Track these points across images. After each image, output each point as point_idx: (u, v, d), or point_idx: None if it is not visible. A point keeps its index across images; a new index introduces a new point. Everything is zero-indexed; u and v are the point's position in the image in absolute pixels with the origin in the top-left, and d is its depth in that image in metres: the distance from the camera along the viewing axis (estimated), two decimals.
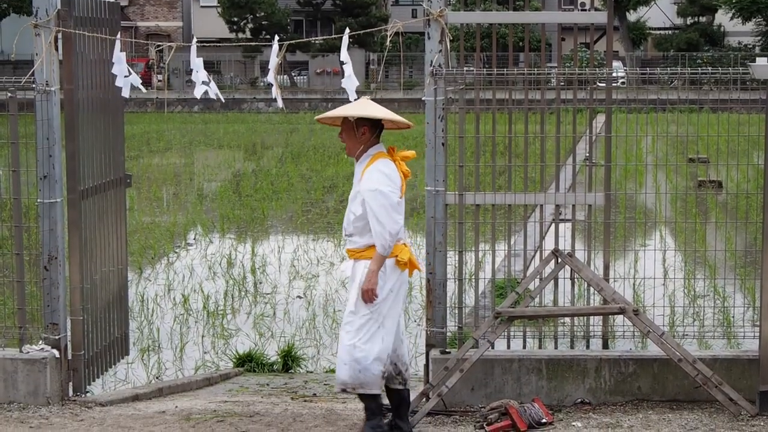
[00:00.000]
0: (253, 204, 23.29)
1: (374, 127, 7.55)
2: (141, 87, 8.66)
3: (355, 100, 7.92)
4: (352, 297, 7.45)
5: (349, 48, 8.14)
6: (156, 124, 47.44)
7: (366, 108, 7.54)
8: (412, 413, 7.88)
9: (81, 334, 8.90)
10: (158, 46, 9.81)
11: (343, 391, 7.55)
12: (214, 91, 8.52)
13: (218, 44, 52.09)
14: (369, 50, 68.79)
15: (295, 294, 14.84)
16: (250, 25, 70.27)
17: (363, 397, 7.53)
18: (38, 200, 8.62)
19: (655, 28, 75.23)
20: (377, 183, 7.32)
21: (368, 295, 7.30)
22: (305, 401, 9.10)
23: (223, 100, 8.64)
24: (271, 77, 8.37)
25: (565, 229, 8.92)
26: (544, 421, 7.79)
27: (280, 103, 8.32)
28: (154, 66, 64.15)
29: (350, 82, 8.19)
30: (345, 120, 7.55)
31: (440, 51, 8.32)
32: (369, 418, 7.55)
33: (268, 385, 10.18)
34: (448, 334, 8.63)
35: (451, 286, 8.84)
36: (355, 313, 7.40)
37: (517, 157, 9.17)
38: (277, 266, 16.68)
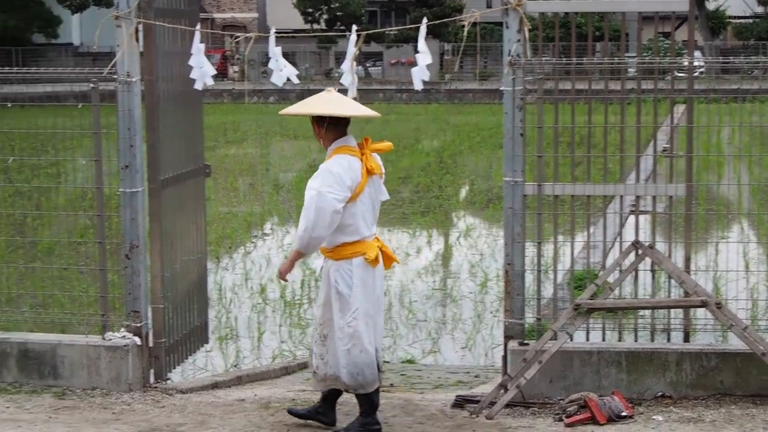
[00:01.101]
0: None
1: (336, 120, 7.44)
2: (210, 80, 8.69)
3: (419, 88, 7.94)
4: (335, 306, 7.41)
5: (425, 38, 8.14)
6: (232, 114, 47.75)
7: (321, 104, 7.46)
8: (491, 404, 7.87)
9: (162, 322, 9.00)
10: (236, 37, 9.87)
11: (346, 391, 7.60)
12: (291, 73, 8.53)
13: (293, 35, 52.30)
14: (443, 40, 68.62)
15: None
16: (325, 16, 70.45)
17: (358, 396, 7.57)
18: (120, 190, 8.73)
19: (734, 17, 74.17)
20: (321, 183, 7.20)
21: (279, 276, 7.55)
22: (383, 391, 9.09)
23: (298, 81, 8.63)
24: (346, 66, 8.37)
25: (645, 220, 8.84)
26: (623, 414, 7.73)
27: (352, 93, 8.30)
28: (230, 57, 64.61)
29: (422, 73, 8.16)
30: (311, 117, 7.51)
31: (518, 41, 8.27)
32: (362, 414, 7.58)
33: None
34: (526, 325, 8.59)
35: (529, 278, 8.81)
36: (342, 326, 7.39)
37: (595, 147, 9.10)
38: None
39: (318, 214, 7.12)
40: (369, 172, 7.41)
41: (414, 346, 12.00)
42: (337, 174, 7.20)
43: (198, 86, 8.70)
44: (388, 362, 10.92)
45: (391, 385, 9.59)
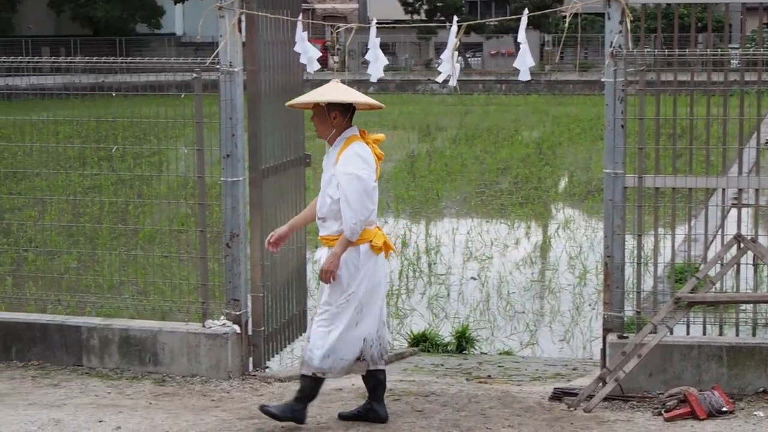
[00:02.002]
0: (427, 185, 23.36)
1: (345, 110, 7.43)
2: (317, 64, 8.79)
3: (526, 79, 7.85)
4: (326, 287, 7.40)
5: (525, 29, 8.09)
6: None
7: (336, 92, 7.43)
8: (589, 397, 7.81)
9: (261, 310, 9.09)
10: (336, 27, 9.91)
11: (302, 376, 7.52)
12: (383, 63, 8.55)
13: (393, 26, 52.34)
14: (544, 31, 68.12)
15: (470, 275, 14.84)
16: (425, 7, 70.39)
17: (305, 378, 7.47)
18: (221, 179, 8.82)
19: None
20: (354, 167, 7.22)
21: (326, 276, 7.30)
22: (480, 382, 9.10)
23: (380, 75, 8.63)
24: (447, 56, 8.35)
25: (747, 213, 8.70)
26: (724, 409, 7.61)
27: (453, 82, 8.28)
28: (330, 48, 64.90)
29: (524, 62, 8.12)
30: (316, 104, 7.46)
31: (620, 32, 8.18)
32: (296, 399, 7.51)
33: (442, 365, 10.21)
34: (625, 318, 8.51)
35: (629, 270, 8.72)
36: (330, 303, 7.38)
37: (697, 139, 8.97)
38: (451, 247, 16.71)
39: (362, 197, 7.18)
40: (379, 159, 7.48)
41: (512, 337, 11.96)
42: (365, 157, 7.29)
43: (310, 69, 8.81)
44: (507, 353, 10.90)
45: (489, 376, 9.57)
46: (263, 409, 7.51)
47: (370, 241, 7.36)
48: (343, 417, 7.72)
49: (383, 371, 7.65)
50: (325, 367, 7.41)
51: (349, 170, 7.22)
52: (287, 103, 7.83)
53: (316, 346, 7.41)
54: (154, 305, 10.18)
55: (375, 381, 7.63)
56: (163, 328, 9.04)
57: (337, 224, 7.34)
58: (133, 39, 67.46)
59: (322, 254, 7.49)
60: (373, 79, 8.66)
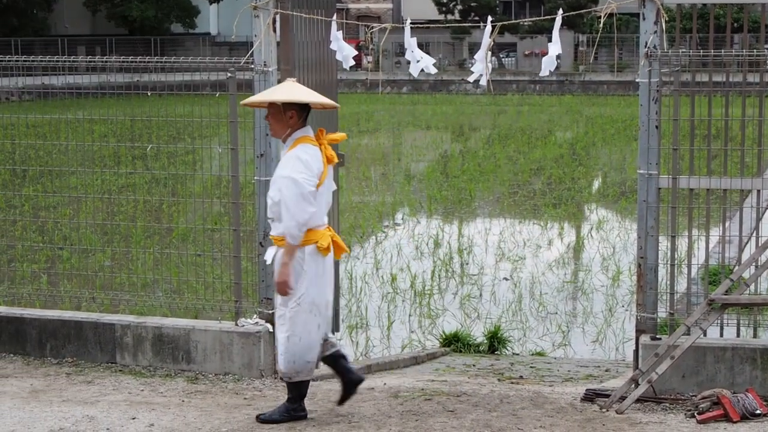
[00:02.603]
0: (460, 185, 23.35)
1: (302, 110, 7.44)
2: (352, 61, 8.82)
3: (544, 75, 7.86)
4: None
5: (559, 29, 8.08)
6: (366, 104, 48.02)
7: (293, 92, 7.42)
8: (621, 399, 7.79)
9: None
10: (370, 27, 9.91)
11: (281, 379, 7.65)
12: (429, 63, 8.54)
13: (427, 26, 52.35)
14: (578, 32, 67.92)
15: (502, 276, 14.82)
16: (459, 7, 70.34)
17: (288, 383, 7.60)
18: (254, 178, 8.85)
19: None
20: (291, 170, 7.22)
21: (281, 288, 7.31)
22: (512, 383, 9.09)
23: (435, 71, 8.63)
24: (480, 56, 8.34)
25: None
26: (758, 412, 7.56)
27: (483, 81, 8.26)
28: (364, 48, 64.95)
29: (550, 63, 8.10)
30: (272, 103, 7.45)
31: (655, 32, 8.15)
32: (289, 401, 7.65)
33: (474, 365, 10.21)
34: (659, 320, 8.48)
35: (662, 272, 8.68)
36: (284, 305, 7.42)
37: (732, 140, 8.92)
38: (483, 247, 16.69)
39: (299, 200, 7.19)
40: (328, 161, 7.47)
41: (544, 338, 11.94)
42: (305, 161, 7.27)
43: (346, 66, 8.88)
44: (539, 354, 10.89)
45: (521, 377, 9.56)
46: (260, 418, 7.59)
47: (316, 242, 7.39)
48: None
49: (339, 347, 7.81)
50: (293, 372, 7.51)
51: (286, 173, 7.25)
52: (242, 102, 7.79)
53: (279, 352, 7.54)
54: (187, 303, 10.23)
55: (335, 356, 7.74)
56: (196, 326, 9.07)
57: (282, 225, 7.38)
58: (167, 38, 67.76)
59: (270, 254, 7.55)
60: (414, 75, 8.67)
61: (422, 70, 8.57)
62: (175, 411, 7.89)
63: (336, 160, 7.56)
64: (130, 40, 62.08)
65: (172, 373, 8.94)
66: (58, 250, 15.09)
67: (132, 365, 9.09)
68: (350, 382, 7.76)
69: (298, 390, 7.64)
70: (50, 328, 9.41)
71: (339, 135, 7.68)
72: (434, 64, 8.62)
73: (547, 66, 8.15)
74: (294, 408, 7.63)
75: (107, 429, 7.50)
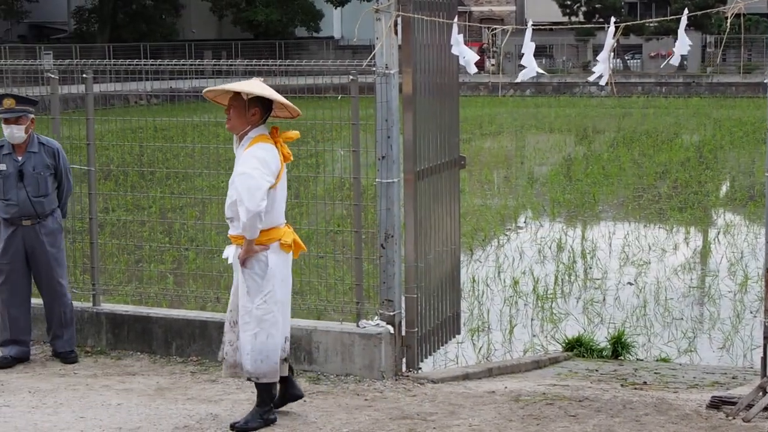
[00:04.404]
0: (583, 188, 23.13)
1: (264, 110, 7.43)
2: (474, 67, 8.78)
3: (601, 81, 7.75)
4: (242, 290, 7.43)
5: (685, 30, 7.93)
6: (488, 107, 47.88)
7: (263, 88, 7.37)
8: (748, 407, 7.62)
9: (415, 311, 9.11)
10: (492, 29, 9.87)
11: (248, 379, 7.61)
12: (530, 70, 8.46)
13: (551, 28, 51.99)
14: (705, 32, 66.75)
15: (626, 280, 14.63)
16: (583, 8, 69.69)
17: (258, 385, 7.56)
18: (376, 180, 8.88)
19: None
20: (247, 167, 7.23)
21: (244, 261, 7.36)
22: (635, 389, 8.96)
23: (531, 76, 8.52)
24: (603, 57, 8.24)
25: None
26: None
27: (603, 81, 8.15)
28: (487, 50, 64.79)
29: (679, 53, 7.97)
30: (237, 97, 7.40)
31: None
32: (259, 404, 7.60)
33: (596, 370, 10.09)
34: None
35: None
36: (251, 302, 7.40)
37: None
38: (607, 251, 16.51)
39: (252, 194, 7.19)
40: (285, 159, 7.50)
41: (669, 344, 11.75)
42: (262, 158, 7.29)
43: (470, 71, 8.85)
44: (664, 360, 10.76)
45: (645, 383, 9.42)
46: (236, 427, 7.56)
47: (280, 239, 7.44)
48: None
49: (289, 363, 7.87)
50: (260, 372, 7.50)
51: (241, 170, 7.28)
52: (205, 90, 7.72)
53: (245, 351, 7.50)
54: (309, 304, 10.31)
55: (288, 378, 7.85)
56: (318, 327, 9.14)
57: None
58: (292, 42, 68.56)
59: (230, 252, 7.57)
60: (518, 80, 8.59)
61: (532, 77, 8.49)
62: (297, 410, 7.95)
63: (291, 158, 7.63)
64: (255, 44, 62.92)
65: (294, 373, 9.01)
66: (185, 251, 15.35)
67: None
68: (290, 396, 7.87)
69: (268, 392, 7.63)
70: (176, 328, 9.57)
71: (293, 133, 7.64)
72: (536, 73, 8.52)
73: (679, 51, 8.01)
74: (265, 411, 7.62)
75: (230, 427, 7.59)
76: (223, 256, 7.74)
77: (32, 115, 9.30)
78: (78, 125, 10.74)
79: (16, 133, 9.19)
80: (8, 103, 9.18)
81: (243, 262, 7.40)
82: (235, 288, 7.65)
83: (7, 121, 9.18)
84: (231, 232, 7.57)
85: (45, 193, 9.28)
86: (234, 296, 7.65)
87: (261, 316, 7.45)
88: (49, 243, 9.32)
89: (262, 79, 7.67)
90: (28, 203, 9.21)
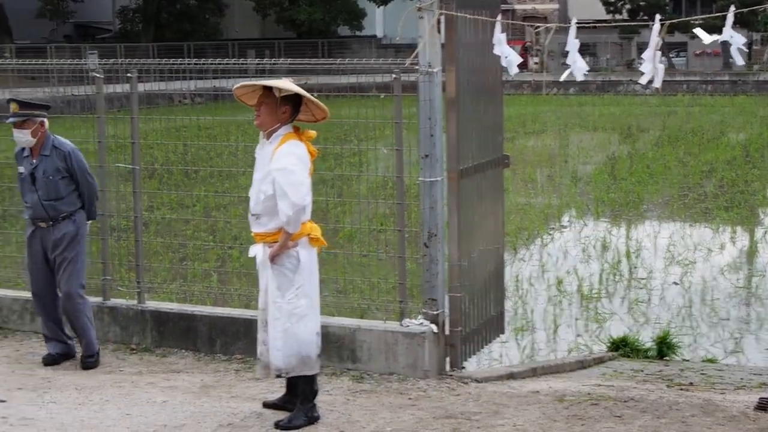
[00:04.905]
0: (628, 187, 22.98)
1: (295, 109, 7.47)
2: (515, 68, 8.73)
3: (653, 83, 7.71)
4: (272, 285, 7.42)
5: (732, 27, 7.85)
6: (532, 106, 47.73)
7: (298, 87, 7.41)
8: None
9: (458, 310, 9.08)
10: (536, 28, 9.83)
11: (278, 376, 7.60)
12: (580, 69, 8.38)
13: (594, 25, 51.74)
14: (752, 30, 66.24)
15: (671, 280, 14.52)
16: (627, 6, 69.39)
17: (299, 380, 7.56)
18: (419, 179, 8.86)
19: None
20: (287, 162, 7.27)
21: (277, 260, 7.37)
22: (681, 389, 8.88)
23: (581, 78, 8.45)
24: (648, 56, 8.16)
25: None
26: None
27: (657, 83, 8.08)
28: (530, 49, 64.61)
29: (739, 56, 7.89)
30: (269, 94, 7.44)
31: None
32: (303, 402, 7.58)
33: (642, 371, 10.01)
34: None
35: None
36: (281, 297, 7.40)
37: None
38: (652, 251, 16.39)
39: (296, 188, 7.24)
40: (312, 156, 7.54)
41: (716, 345, 11.64)
42: (299, 155, 7.37)
43: (512, 72, 8.77)
44: (710, 361, 10.67)
45: (691, 383, 9.33)
46: (279, 425, 7.57)
47: (308, 234, 7.47)
48: (267, 405, 7.95)
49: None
50: (290, 367, 7.49)
51: (282, 165, 7.30)
52: (236, 86, 7.73)
53: (276, 347, 7.48)
54: (353, 303, 10.31)
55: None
56: (361, 326, 9.13)
57: (273, 221, 7.41)
58: (335, 41, 68.67)
59: (257, 250, 7.58)
60: (563, 79, 8.53)
61: (573, 76, 8.42)
62: (341, 409, 7.95)
63: (316, 154, 7.63)
64: (298, 43, 63.08)
65: (337, 371, 9.01)
66: (228, 250, 15.39)
67: None
68: (289, 403, 7.81)
69: (310, 387, 7.62)
70: (220, 325, 9.60)
71: (311, 132, 7.64)
72: (586, 72, 8.44)
73: (737, 54, 7.93)
74: (309, 408, 7.62)
75: (275, 425, 7.59)
76: (250, 255, 7.75)
77: (41, 119, 9.18)
78: (123, 124, 10.80)
79: (21, 137, 9.14)
80: (12, 107, 9.13)
81: (272, 259, 7.42)
82: (265, 287, 7.64)
83: (14, 126, 9.14)
84: (257, 230, 7.58)
85: (57, 197, 9.16)
86: (264, 295, 7.65)
87: (291, 311, 7.46)
88: (63, 246, 9.18)
89: (292, 80, 7.72)
90: (40, 206, 9.15)
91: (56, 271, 9.27)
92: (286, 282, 7.45)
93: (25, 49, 53.72)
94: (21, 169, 9.31)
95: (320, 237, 7.60)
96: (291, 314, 7.47)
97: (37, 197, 9.16)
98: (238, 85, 7.71)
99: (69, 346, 9.54)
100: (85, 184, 9.29)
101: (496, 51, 8.60)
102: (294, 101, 7.49)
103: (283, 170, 7.30)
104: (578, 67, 8.32)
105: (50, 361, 9.37)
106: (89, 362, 9.32)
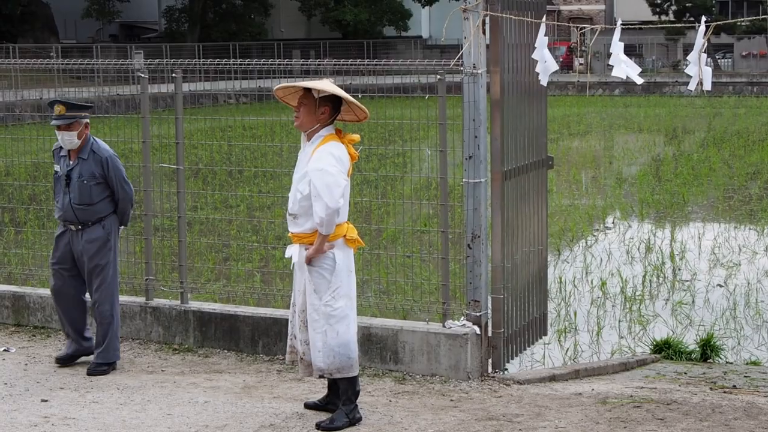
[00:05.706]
0: (672, 189, 22.85)
1: (334, 110, 7.47)
2: (546, 78, 8.66)
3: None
4: (309, 287, 7.45)
5: None
6: (576, 107, 47.54)
7: (334, 88, 7.41)
8: None
9: (501, 312, 9.08)
10: (581, 29, 9.80)
11: (320, 377, 7.64)
12: (633, 72, 8.32)
13: (640, 27, 51.50)
14: None
15: (716, 282, 14.43)
16: (673, 7, 69.01)
17: (341, 381, 7.56)
18: (463, 180, 8.86)
19: None
20: (325, 163, 7.28)
21: (314, 261, 7.40)
22: (724, 392, 8.83)
23: (640, 82, 8.39)
24: (693, 58, 8.11)
25: None
26: None
27: (707, 86, 8.03)
28: (576, 49, 64.37)
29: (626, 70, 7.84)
30: (308, 95, 7.45)
31: None
32: (345, 403, 7.60)
33: (685, 373, 9.97)
34: None
35: None
36: (319, 300, 7.42)
37: None
38: (696, 253, 16.28)
39: (331, 190, 7.25)
40: (351, 159, 7.53)
41: (760, 348, 11.56)
42: (338, 156, 7.38)
43: (543, 82, 8.64)
44: (754, 364, 10.60)
45: (734, 386, 9.28)
46: (321, 426, 7.60)
47: (344, 235, 7.48)
48: (308, 406, 7.99)
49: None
50: (333, 368, 7.51)
51: (320, 166, 7.32)
52: (276, 87, 7.74)
53: (316, 349, 7.51)
54: (396, 304, 10.32)
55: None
56: (404, 327, 9.14)
57: (309, 221, 7.44)
58: (380, 42, 68.74)
59: (293, 251, 7.61)
60: (621, 77, 8.46)
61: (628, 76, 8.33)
62: (383, 410, 7.96)
63: (356, 158, 7.62)
64: (344, 44, 63.19)
65: (380, 372, 9.03)
66: (272, 250, 15.45)
67: None
68: (331, 404, 7.84)
69: (352, 388, 7.64)
70: (263, 326, 9.64)
71: (355, 136, 7.67)
72: (640, 73, 8.36)
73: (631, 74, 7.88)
74: (351, 409, 7.63)
75: (316, 426, 7.62)
76: (286, 256, 7.80)
77: (86, 120, 9.07)
78: (167, 124, 10.88)
79: (67, 139, 9.00)
80: (59, 109, 8.96)
81: (309, 260, 7.45)
82: (301, 288, 7.67)
83: (58, 128, 8.97)
84: (294, 230, 7.62)
85: (89, 202, 9.02)
86: (301, 295, 7.67)
87: (329, 313, 7.49)
88: (93, 252, 9.04)
89: (333, 80, 7.75)
90: (70, 210, 9.03)
91: (87, 277, 9.14)
92: (323, 284, 7.48)
93: (71, 48, 54.19)
94: (57, 168, 9.20)
95: (357, 238, 7.62)
96: (329, 316, 7.49)
97: (68, 200, 9.03)
98: (278, 86, 7.75)
99: (84, 347, 9.35)
100: (120, 192, 9.12)
101: (535, 55, 8.53)
102: (333, 102, 7.52)
103: (319, 171, 7.33)
104: (632, 67, 8.26)
105: (65, 360, 9.30)
106: (99, 369, 9.09)
